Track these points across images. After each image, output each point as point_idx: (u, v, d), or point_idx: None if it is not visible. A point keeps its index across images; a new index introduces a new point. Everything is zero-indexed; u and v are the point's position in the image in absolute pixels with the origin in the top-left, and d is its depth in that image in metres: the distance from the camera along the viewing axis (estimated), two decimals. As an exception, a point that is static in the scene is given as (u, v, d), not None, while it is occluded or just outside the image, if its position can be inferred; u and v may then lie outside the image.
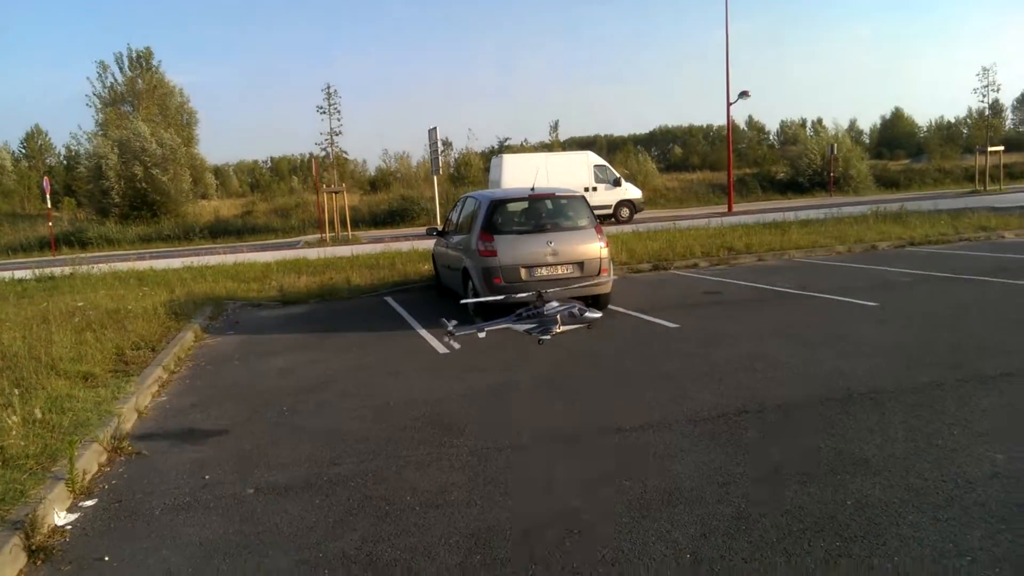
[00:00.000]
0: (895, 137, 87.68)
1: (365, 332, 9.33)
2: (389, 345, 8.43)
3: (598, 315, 5.11)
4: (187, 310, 10.75)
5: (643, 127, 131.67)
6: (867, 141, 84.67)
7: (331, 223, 26.40)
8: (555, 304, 4.96)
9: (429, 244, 13.98)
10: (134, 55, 49.20)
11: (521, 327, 5.01)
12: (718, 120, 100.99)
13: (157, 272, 15.77)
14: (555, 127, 66.14)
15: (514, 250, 9.08)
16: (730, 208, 30.69)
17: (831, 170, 38.97)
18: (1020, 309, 8.29)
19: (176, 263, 17.32)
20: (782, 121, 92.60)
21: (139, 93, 48.79)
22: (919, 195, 34.16)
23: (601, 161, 29.51)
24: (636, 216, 28.62)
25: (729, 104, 30.25)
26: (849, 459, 4.32)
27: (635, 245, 15.63)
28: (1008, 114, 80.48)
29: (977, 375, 5.80)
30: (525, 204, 9.88)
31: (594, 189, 27.53)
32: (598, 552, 3.43)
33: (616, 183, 28.55)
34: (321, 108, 27.70)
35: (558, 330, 4.91)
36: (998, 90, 36.86)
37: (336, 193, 26.60)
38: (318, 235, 26.95)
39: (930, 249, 14.57)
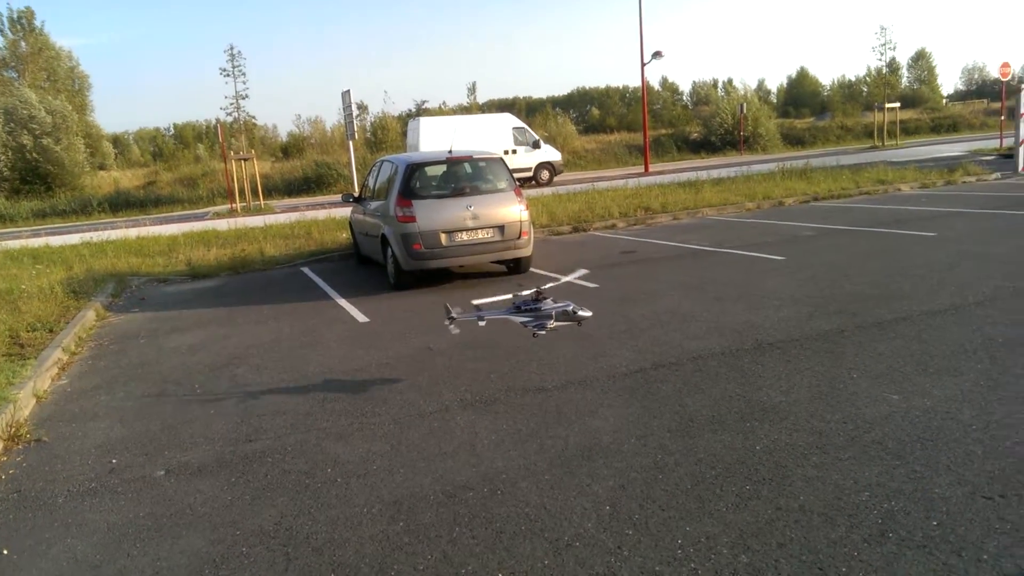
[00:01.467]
0: (801, 96, 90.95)
1: (281, 304, 9.06)
2: (307, 316, 8.22)
3: (589, 314, 5.33)
4: (87, 288, 10.19)
5: (561, 89, 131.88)
6: (775, 100, 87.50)
7: (241, 192, 25.38)
8: (551, 301, 5.27)
9: (346, 212, 13.67)
10: (15, 16, 45.78)
11: (519, 319, 5.29)
12: (634, 81, 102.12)
13: (53, 249, 14.87)
14: (473, 89, 65.18)
15: (433, 215, 8.96)
16: (647, 169, 31.22)
17: (741, 129, 40.14)
18: (914, 257, 8.79)
19: (74, 239, 16.34)
20: (694, 82, 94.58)
21: (23, 57, 45.59)
22: (823, 152, 35.65)
23: (520, 123, 29.40)
24: (556, 178, 28.76)
25: (643, 64, 30.56)
26: (758, 406, 4.51)
27: (555, 207, 15.73)
28: (904, 71, 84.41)
29: (875, 321, 6.13)
30: (443, 167, 9.74)
31: (514, 152, 27.46)
32: (521, 510, 3.48)
33: (535, 145, 28.57)
34: (224, 70, 26.38)
35: (551, 325, 5.17)
36: (894, 48, 38.77)
37: (245, 160, 25.53)
38: (228, 205, 25.88)
39: (833, 203, 15.25)
